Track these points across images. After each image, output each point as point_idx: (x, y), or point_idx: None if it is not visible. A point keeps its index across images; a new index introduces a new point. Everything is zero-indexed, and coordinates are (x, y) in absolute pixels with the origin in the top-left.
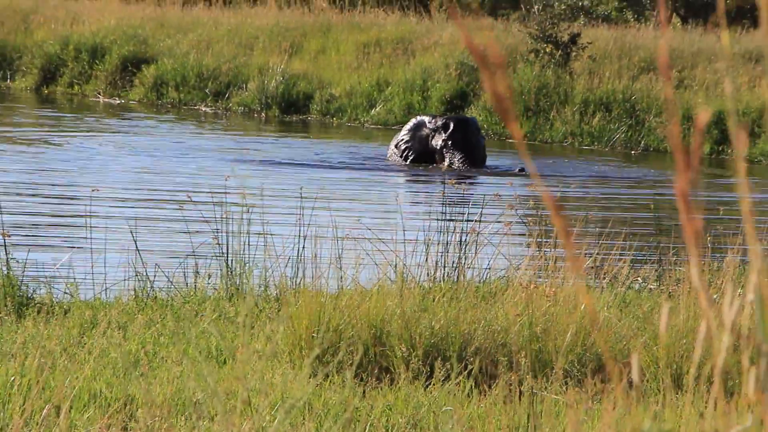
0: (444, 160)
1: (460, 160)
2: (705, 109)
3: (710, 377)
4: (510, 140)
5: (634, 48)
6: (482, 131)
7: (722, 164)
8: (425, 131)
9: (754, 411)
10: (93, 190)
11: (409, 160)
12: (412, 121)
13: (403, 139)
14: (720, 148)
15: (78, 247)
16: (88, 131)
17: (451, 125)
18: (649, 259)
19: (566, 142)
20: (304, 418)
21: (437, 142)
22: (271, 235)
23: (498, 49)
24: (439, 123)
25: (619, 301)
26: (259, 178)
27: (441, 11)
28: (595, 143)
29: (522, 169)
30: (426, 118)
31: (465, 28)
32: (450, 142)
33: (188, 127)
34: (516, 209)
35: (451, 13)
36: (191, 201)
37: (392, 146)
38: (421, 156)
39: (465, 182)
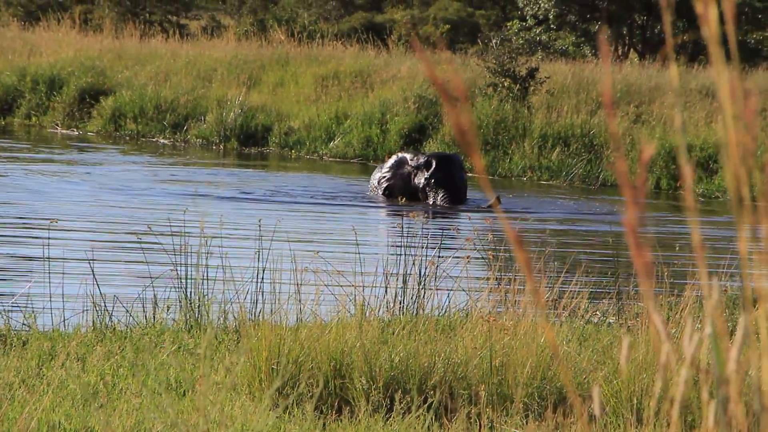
0: (427, 199)
1: (443, 198)
2: (649, 144)
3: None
4: (469, 174)
5: (592, 83)
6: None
7: (678, 199)
8: (407, 169)
9: None
10: (51, 222)
11: (389, 197)
12: (393, 158)
13: (384, 176)
14: (678, 184)
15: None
16: (44, 162)
17: (434, 163)
18: (608, 293)
19: (524, 176)
20: None
21: (419, 180)
22: (230, 266)
23: (460, 82)
24: (421, 161)
25: (578, 335)
26: (218, 210)
27: (399, 45)
28: (554, 177)
29: (494, 203)
30: (408, 156)
31: (428, 60)
32: (432, 181)
33: (146, 158)
34: (474, 242)
35: (413, 46)
36: (151, 231)
37: (373, 182)
38: (403, 193)
39: (426, 216)
